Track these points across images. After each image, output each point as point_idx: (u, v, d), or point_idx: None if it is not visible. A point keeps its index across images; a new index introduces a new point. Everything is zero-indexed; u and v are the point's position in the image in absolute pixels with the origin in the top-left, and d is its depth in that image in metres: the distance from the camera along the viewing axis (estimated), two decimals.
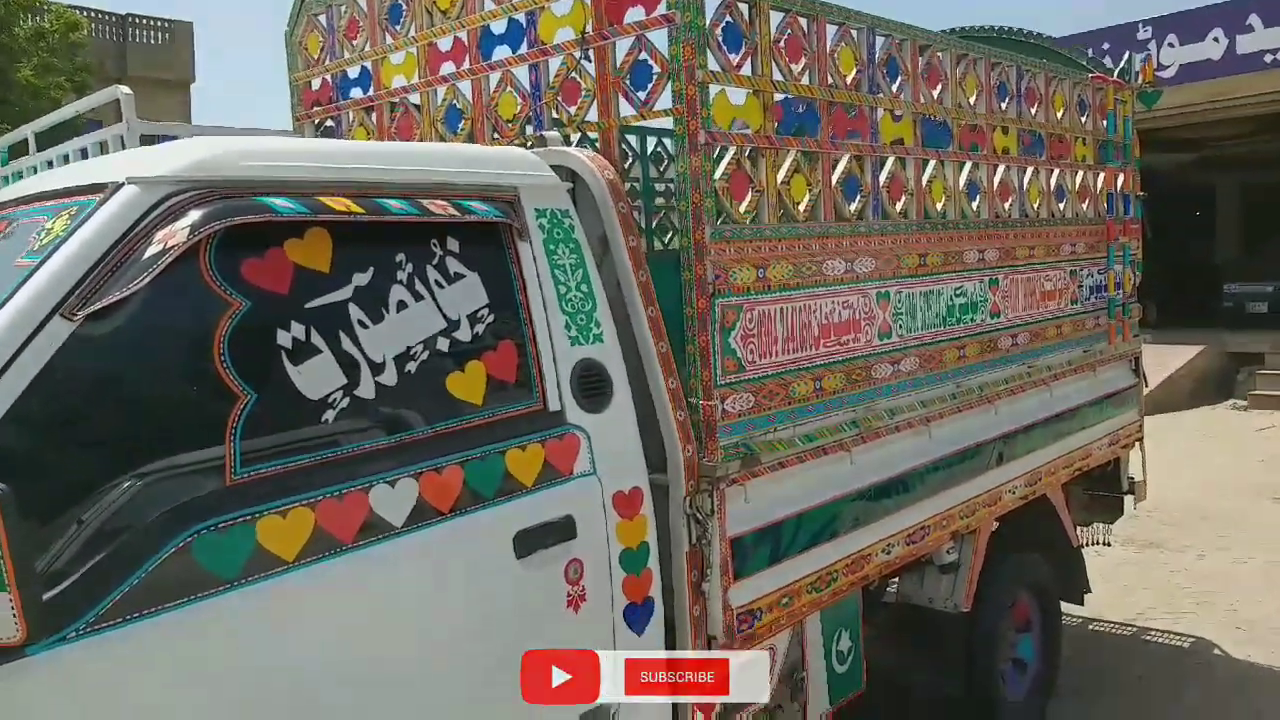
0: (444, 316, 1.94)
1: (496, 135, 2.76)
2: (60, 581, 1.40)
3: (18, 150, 4.10)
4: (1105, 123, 4.27)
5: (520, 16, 2.65)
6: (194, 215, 1.61)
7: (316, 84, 3.37)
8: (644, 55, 2.44)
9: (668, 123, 2.45)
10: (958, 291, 3.24)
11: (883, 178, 2.95)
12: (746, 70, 2.49)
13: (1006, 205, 3.54)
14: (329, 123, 3.36)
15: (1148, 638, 4.72)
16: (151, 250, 1.56)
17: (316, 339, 1.73)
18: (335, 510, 1.68)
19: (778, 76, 2.59)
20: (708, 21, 2.33)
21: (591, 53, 2.49)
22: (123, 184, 1.64)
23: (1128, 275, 4.40)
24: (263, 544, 1.59)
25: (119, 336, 1.54)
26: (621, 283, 2.27)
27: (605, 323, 2.21)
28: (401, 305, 1.88)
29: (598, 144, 2.60)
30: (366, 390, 1.79)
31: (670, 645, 2.23)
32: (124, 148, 3.14)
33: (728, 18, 2.42)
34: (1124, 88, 4.38)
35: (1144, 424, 4.48)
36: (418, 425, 1.87)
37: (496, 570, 1.91)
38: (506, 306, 2.05)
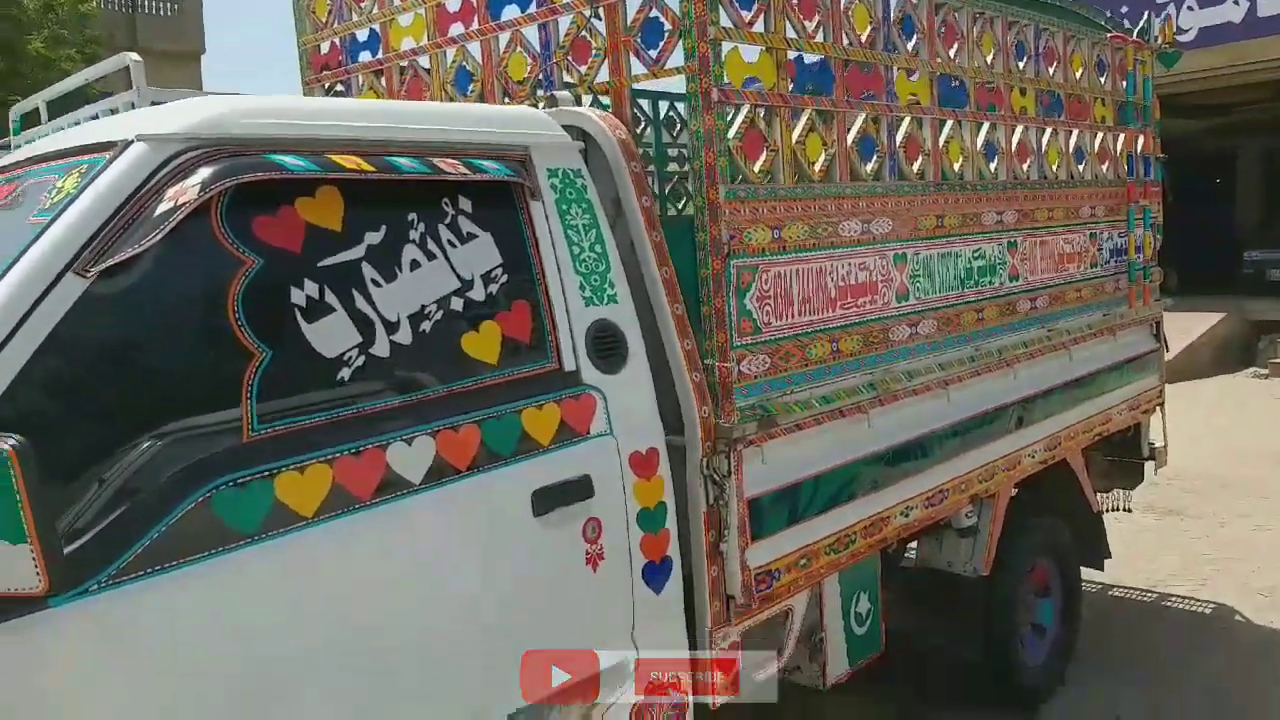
0: (457, 276, 1.93)
1: (507, 98, 2.74)
2: (81, 536, 1.41)
3: (30, 120, 4.12)
4: (1125, 83, 4.19)
5: None
6: (204, 172, 1.60)
7: (325, 48, 3.34)
8: (655, 12, 2.42)
9: (680, 85, 2.41)
10: (976, 254, 3.21)
11: (899, 138, 2.92)
12: (759, 27, 2.46)
13: (1025, 167, 3.49)
14: (339, 87, 3.34)
15: (1168, 603, 4.69)
16: (163, 207, 1.56)
17: (330, 297, 1.73)
18: (353, 467, 1.69)
19: (791, 34, 2.55)
20: None
21: (602, 10, 2.45)
22: (133, 141, 1.63)
23: (1148, 239, 4.34)
24: (281, 499, 1.59)
25: (132, 294, 1.54)
26: (635, 243, 2.25)
27: (619, 283, 2.20)
28: (415, 264, 1.87)
29: (609, 105, 2.57)
30: (381, 349, 1.78)
31: (689, 605, 2.24)
32: None
33: None
34: (1143, 48, 4.30)
35: (1165, 389, 4.43)
36: (433, 384, 1.87)
37: (514, 527, 1.91)
38: (520, 266, 2.04)
